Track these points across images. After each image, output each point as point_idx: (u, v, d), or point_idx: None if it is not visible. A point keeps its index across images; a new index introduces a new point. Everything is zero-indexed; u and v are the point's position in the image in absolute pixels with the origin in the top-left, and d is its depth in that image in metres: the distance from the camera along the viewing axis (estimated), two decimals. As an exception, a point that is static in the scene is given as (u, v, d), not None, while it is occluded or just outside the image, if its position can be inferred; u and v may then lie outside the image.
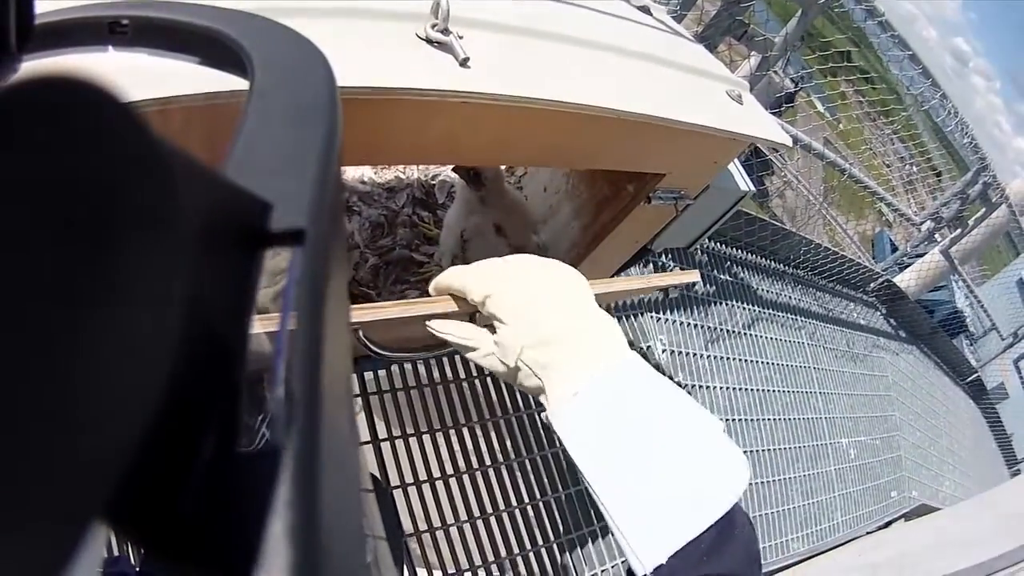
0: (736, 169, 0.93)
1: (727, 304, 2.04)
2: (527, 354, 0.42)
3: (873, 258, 6.27)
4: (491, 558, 1.14)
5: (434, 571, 1.08)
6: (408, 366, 1.13)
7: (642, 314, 1.67)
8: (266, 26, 0.23)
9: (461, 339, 0.46)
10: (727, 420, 1.79)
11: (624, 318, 1.63)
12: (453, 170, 0.96)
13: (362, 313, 0.48)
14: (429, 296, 0.48)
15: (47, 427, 0.08)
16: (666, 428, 0.38)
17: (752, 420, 1.92)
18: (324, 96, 0.19)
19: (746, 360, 2.01)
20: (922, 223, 3.61)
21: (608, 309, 1.38)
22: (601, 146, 0.67)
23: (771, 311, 2.25)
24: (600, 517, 1.30)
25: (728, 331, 1.98)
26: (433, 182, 1.14)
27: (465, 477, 1.16)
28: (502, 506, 1.19)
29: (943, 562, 1.26)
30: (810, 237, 2.51)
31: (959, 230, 3.48)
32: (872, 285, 3.16)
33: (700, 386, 1.77)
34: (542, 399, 0.43)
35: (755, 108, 0.78)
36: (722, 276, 2.09)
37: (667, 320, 1.75)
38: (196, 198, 0.11)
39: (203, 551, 0.11)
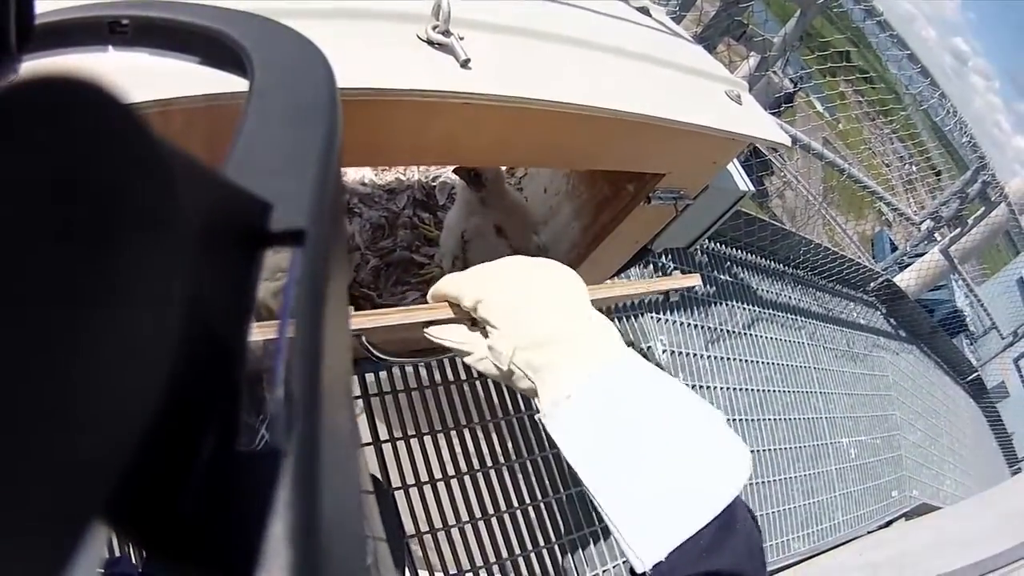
0: (735, 169, 0.93)
1: (727, 304, 2.04)
2: (519, 357, 0.42)
3: (873, 258, 6.27)
4: (492, 559, 1.14)
5: (435, 572, 1.08)
6: (409, 368, 1.13)
7: (642, 315, 1.67)
8: (266, 26, 0.23)
9: (456, 344, 0.46)
10: (728, 420, 1.79)
11: (624, 319, 1.63)
12: (454, 171, 0.95)
13: (363, 320, 0.48)
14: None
15: (47, 427, 0.08)
16: (661, 425, 0.38)
17: (753, 420, 1.92)
18: (324, 96, 0.19)
19: (746, 360, 2.01)
20: (922, 222, 3.61)
21: (608, 310, 1.38)
22: (601, 147, 0.67)
23: (771, 311, 2.25)
24: (600, 518, 1.30)
25: (728, 331, 1.98)
26: (434, 183, 1.14)
27: (466, 478, 1.16)
28: (503, 507, 1.19)
29: (943, 560, 1.26)
30: (810, 237, 2.51)
31: (959, 229, 3.48)
32: (872, 285, 3.16)
33: (700, 386, 1.77)
34: (536, 401, 0.43)
35: (754, 108, 0.78)
36: (722, 276, 2.09)
37: (667, 321, 1.75)
38: (196, 198, 0.11)
39: (203, 551, 0.11)
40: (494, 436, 1.22)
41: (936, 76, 2.69)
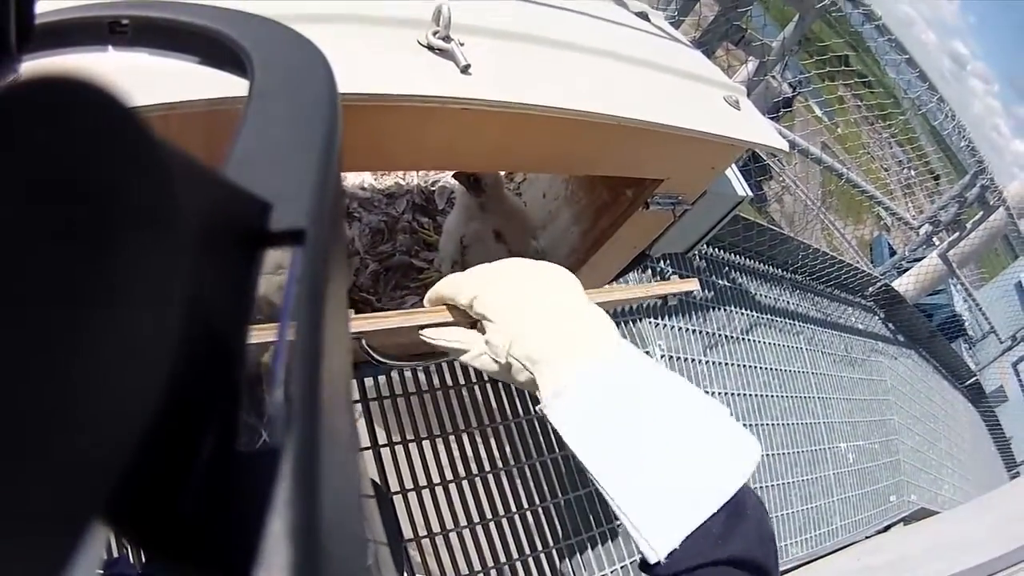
0: (734, 174, 0.93)
1: (725, 309, 2.04)
2: (516, 349, 0.42)
3: (871, 262, 6.27)
4: (491, 563, 1.13)
5: (434, 577, 1.07)
6: (408, 372, 1.13)
7: (641, 319, 1.68)
8: (266, 26, 0.23)
9: (452, 343, 0.46)
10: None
11: (622, 324, 1.63)
12: (453, 176, 0.96)
13: (363, 323, 0.48)
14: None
15: (47, 427, 0.08)
16: (665, 415, 0.38)
17: (751, 425, 1.92)
18: (324, 96, 0.19)
19: (744, 365, 2.01)
20: (920, 227, 3.61)
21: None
22: (600, 152, 0.67)
23: (769, 316, 2.25)
24: (600, 522, 1.30)
25: (726, 336, 1.98)
26: (433, 188, 1.14)
27: (465, 482, 1.15)
28: (502, 511, 1.18)
29: (941, 565, 1.25)
30: (808, 242, 2.52)
31: (957, 233, 3.48)
32: (870, 289, 3.17)
33: (699, 390, 1.77)
34: (536, 394, 0.43)
35: (753, 113, 0.79)
36: (720, 281, 2.09)
37: (665, 326, 1.75)
38: (196, 198, 0.11)
39: (203, 551, 0.11)
40: (493, 440, 1.22)
41: (935, 80, 2.69)
